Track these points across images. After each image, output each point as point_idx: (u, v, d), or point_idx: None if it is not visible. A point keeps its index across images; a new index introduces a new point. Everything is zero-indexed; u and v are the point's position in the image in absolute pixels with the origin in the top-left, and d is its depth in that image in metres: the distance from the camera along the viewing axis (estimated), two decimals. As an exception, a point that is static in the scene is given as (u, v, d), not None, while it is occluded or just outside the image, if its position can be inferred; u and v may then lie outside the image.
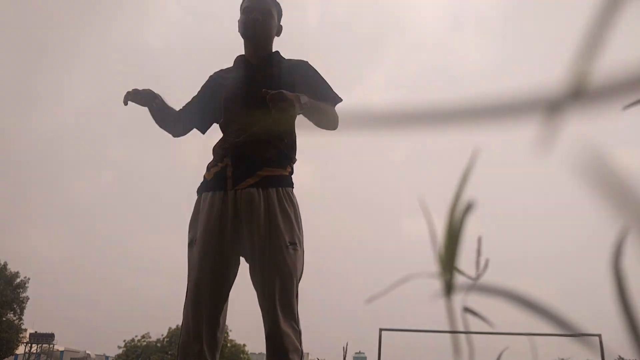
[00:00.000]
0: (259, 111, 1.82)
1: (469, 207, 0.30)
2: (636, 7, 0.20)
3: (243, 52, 2.03)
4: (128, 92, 1.87)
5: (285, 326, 1.65)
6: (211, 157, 1.94)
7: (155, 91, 1.94)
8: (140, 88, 1.91)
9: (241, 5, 1.98)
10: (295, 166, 1.93)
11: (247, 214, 1.73)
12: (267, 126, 1.83)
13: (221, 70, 2.05)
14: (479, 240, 0.38)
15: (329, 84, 1.98)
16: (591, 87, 0.19)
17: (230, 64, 2.05)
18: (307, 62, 1.99)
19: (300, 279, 1.76)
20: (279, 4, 2.01)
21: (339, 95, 1.96)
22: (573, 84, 0.20)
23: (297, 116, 1.87)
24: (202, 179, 1.91)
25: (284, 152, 1.85)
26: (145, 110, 1.94)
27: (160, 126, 2.00)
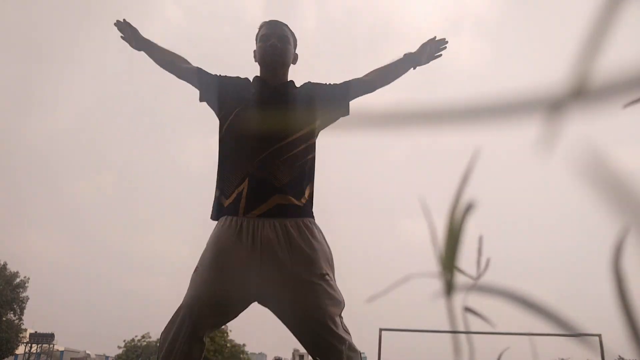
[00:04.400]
0: (278, 130, 1.83)
1: (469, 207, 0.30)
2: (636, 7, 0.21)
3: (245, 73, 2.05)
4: (121, 24, 2.05)
5: None
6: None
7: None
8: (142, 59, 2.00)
9: (257, 35, 2.03)
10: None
11: (267, 251, 1.64)
12: (282, 131, 1.82)
13: (231, 77, 2.03)
14: (480, 240, 0.38)
15: (332, 83, 2.04)
16: (591, 87, 0.19)
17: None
18: (310, 81, 2.04)
19: (341, 308, 1.66)
20: (293, 33, 2.05)
21: (345, 82, 2.02)
22: (573, 83, 0.20)
23: (320, 130, 1.94)
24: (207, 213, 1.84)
25: (302, 176, 1.80)
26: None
27: (160, 65, 2.06)
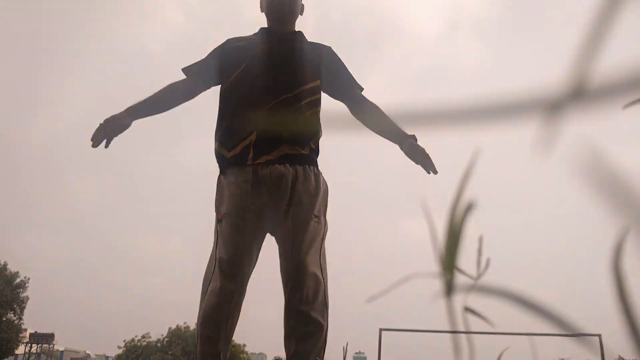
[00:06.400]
0: (285, 82, 1.83)
1: (469, 207, 0.30)
2: (636, 7, 0.21)
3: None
4: (94, 138, 1.76)
5: (312, 269, 1.68)
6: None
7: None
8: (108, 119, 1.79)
9: None
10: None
11: (274, 189, 1.75)
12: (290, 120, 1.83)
13: (238, 37, 2.01)
14: (480, 240, 0.38)
15: (350, 71, 2.03)
16: (591, 87, 0.19)
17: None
18: (331, 47, 2.02)
19: (323, 240, 1.79)
20: None
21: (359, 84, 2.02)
22: (573, 84, 0.20)
23: (323, 93, 1.94)
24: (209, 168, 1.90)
25: (307, 127, 1.85)
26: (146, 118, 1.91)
27: (164, 111, 1.93)
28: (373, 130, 1.94)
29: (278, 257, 1.79)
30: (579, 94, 0.20)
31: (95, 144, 1.78)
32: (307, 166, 1.80)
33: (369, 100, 1.99)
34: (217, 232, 1.79)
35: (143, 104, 1.88)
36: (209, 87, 1.98)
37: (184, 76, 1.99)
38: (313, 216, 1.75)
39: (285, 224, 1.74)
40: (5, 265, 29.81)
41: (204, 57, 1.99)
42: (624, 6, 0.19)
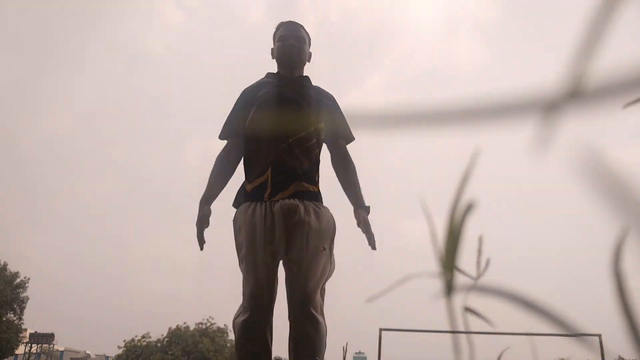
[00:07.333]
0: (294, 119, 1.98)
1: (469, 207, 0.30)
2: (635, 7, 0.21)
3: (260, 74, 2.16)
4: (199, 241, 1.96)
5: (311, 310, 1.80)
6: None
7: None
8: (199, 233, 1.97)
9: (275, 34, 2.15)
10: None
11: (287, 222, 1.86)
12: (301, 132, 1.96)
13: (251, 85, 2.15)
14: (480, 240, 0.38)
15: (347, 120, 2.14)
16: (589, 87, 0.19)
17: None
18: (333, 96, 2.17)
19: (328, 277, 1.92)
20: (308, 33, 2.18)
21: (353, 135, 2.16)
22: (571, 84, 0.20)
23: (324, 130, 2.08)
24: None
25: (314, 165, 2.00)
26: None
27: (227, 182, 2.08)
28: (339, 182, 2.11)
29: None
30: (577, 94, 0.20)
31: (201, 246, 1.98)
32: (313, 202, 1.93)
33: (349, 157, 2.12)
34: (241, 269, 1.90)
35: (210, 189, 2.02)
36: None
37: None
38: (322, 248, 1.87)
39: (300, 251, 1.84)
40: (5, 265, 29.80)
41: (228, 114, 2.11)
42: (623, 6, 0.19)
